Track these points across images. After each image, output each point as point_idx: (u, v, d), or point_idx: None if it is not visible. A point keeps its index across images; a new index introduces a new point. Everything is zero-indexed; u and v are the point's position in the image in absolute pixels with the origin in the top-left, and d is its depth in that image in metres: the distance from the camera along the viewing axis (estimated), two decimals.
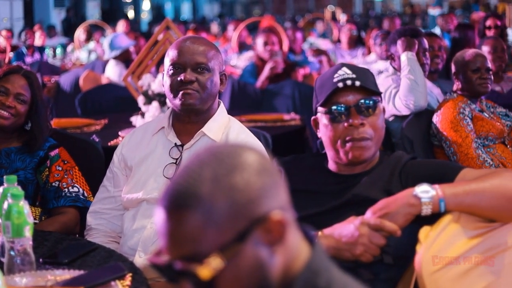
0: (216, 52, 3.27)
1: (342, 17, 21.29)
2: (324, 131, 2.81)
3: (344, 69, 2.79)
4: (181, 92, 3.18)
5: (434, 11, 20.61)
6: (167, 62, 3.24)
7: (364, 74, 2.81)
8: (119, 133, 5.21)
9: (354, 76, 2.75)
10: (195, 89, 3.18)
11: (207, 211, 1.51)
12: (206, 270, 1.51)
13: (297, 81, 7.65)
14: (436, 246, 2.39)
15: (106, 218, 3.40)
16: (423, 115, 5.01)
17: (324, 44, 12.97)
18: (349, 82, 2.72)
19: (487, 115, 4.85)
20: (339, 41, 12.34)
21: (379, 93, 2.81)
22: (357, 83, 2.72)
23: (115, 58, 8.31)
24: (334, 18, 22.09)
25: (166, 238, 1.55)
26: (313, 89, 2.91)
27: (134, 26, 20.57)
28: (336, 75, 2.77)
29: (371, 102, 2.75)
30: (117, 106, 6.89)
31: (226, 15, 34.87)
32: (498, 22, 9.01)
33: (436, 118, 4.84)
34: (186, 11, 36.77)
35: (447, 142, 4.70)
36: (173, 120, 3.33)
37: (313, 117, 2.90)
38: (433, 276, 2.35)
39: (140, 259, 3.11)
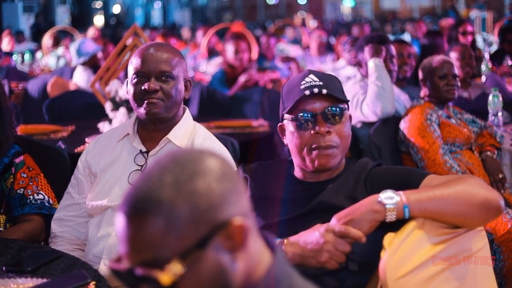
0: (180, 59, 3.25)
1: (312, 23, 21.37)
2: (290, 138, 2.80)
3: (311, 76, 2.78)
4: (145, 101, 3.16)
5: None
6: (130, 70, 3.22)
7: (331, 82, 2.81)
8: (86, 139, 5.19)
9: (321, 83, 2.74)
10: (160, 97, 3.16)
11: (168, 216, 1.50)
12: (167, 276, 1.50)
13: (266, 88, 7.67)
14: (401, 253, 2.38)
15: (71, 226, 3.38)
16: (391, 122, 5.03)
17: (294, 50, 13.01)
18: (316, 90, 2.71)
19: (454, 121, 4.88)
20: (308, 47, 12.40)
21: (346, 101, 2.81)
22: (324, 91, 2.71)
23: (83, 64, 8.27)
24: (304, 24, 22.16)
25: (127, 244, 1.54)
26: (280, 95, 2.91)
27: (104, 32, 20.49)
28: (303, 82, 2.76)
29: (337, 110, 2.75)
30: (85, 112, 6.85)
31: (196, 21, 34.89)
32: (470, 28, 9.09)
33: (403, 125, 4.86)
34: (156, 17, 36.69)
35: (414, 148, 4.72)
36: (138, 126, 3.31)
37: (279, 124, 2.89)
38: (397, 283, 2.35)
39: (105, 267, 3.09)
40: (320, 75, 2.82)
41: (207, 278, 1.53)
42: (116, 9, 32.82)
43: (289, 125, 2.80)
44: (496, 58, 9.12)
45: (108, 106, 5.38)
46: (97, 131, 5.45)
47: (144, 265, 1.51)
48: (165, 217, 1.50)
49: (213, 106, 7.24)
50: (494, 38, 13.05)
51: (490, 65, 8.41)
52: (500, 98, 5.56)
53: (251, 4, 43.94)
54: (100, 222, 3.24)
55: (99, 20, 30.98)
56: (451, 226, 2.49)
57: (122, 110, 5.28)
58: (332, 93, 2.73)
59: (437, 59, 4.98)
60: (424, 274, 2.37)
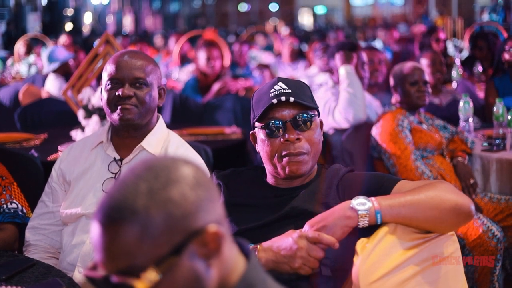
0: (154, 67, 3.26)
1: (284, 30, 21.41)
2: (261, 146, 2.82)
3: (280, 84, 2.80)
4: (119, 107, 3.17)
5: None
6: (105, 76, 3.23)
7: (300, 89, 2.82)
8: (59, 147, 5.16)
9: (289, 91, 2.76)
10: (133, 104, 3.17)
11: (143, 224, 1.51)
12: (143, 283, 1.50)
13: (238, 95, 7.69)
14: (373, 258, 2.41)
15: (45, 234, 3.37)
16: (363, 128, 5.07)
17: (266, 57, 13.03)
18: (283, 98, 2.73)
19: (425, 127, 4.92)
20: (280, 54, 12.44)
21: (315, 107, 2.83)
22: (291, 98, 2.73)
23: (55, 71, 8.24)
24: (276, 31, 22.20)
25: (102, 252, 1.54)
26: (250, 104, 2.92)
27: (76, 40, 20.40)
28: (272, 90, 2.78)
29: (307, 117, 2.77)
30: (57, 120, 6.82)
31: (168, 28, 34.81)
32: (442, 36, 9.17)
33: (375, 131, 4.89)
34: (128, 24, 36.56)
35: (386, 154, 4.75)
36: (112, 134, 3.32)
37: (251, 132, 2.91)
38: (370, 287, 2.37)
39: (79, 275, 3.09)
40: (289, 82, 2.83)
41: (182, 285, 1.54)
42: (88, 16, 32.66)
43: (259, 133, 2.83)
44: (467, 64, 9.20)
45: (80, 114, 5.37)
46: (69, 139, 5.43)
47: (119, 273, 1.52)
48: (140, 225, 1.51)
49: (185, 113, 7.24)
50: (464, 44, 13.15)
51: (461, 71, 8.48)
52: (471, 104, 5.62)
53: (223, 11, 43.96)
54: (75, 230, 3.24)
55: (70, 27, 30.78)
56: (422, 231, 2.52)
57: (95, 117, 5.27)
58: (300, 100, 2.75)
59: (408, 65, 5.02)
60: (397, 278, 2.39)
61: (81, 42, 19.12)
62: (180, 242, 1.52)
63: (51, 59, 8.28)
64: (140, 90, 3.19)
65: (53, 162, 3.51)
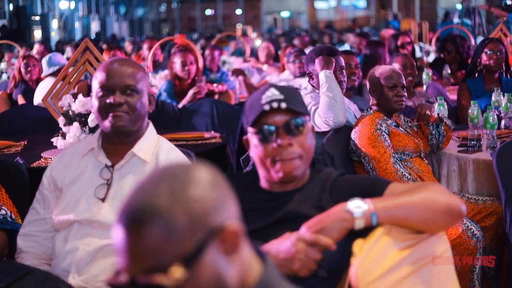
0: (144, 74, 3.30)
1: (253, 35, 21.46)
2: (254, 151, 2.87)
3: (272, 90, 2.84)
4: (110, 115, 3.21)
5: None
6: (95, 84, 3.26)
7: (291, 95, 2.87)
8: (42, 154, 5.17)
9: (281, 97, 2.80)
10: (125, 111, 3.21)
11: (166, 223, 1.56)
12: (170, 280, 1.55)
13: (215, 99, 7.73)
14: (370, 258, 2.46)
15: (37, 241, 3.39)
16: (342, 131, 5.12)
17: (237, 63, 13.05)
18: (275, 105, 2.78)
19: (403, 130, 4.99)
20: (255, 57, 12.47)
21: (307, 113, 2.88)
22: (283, 105, 2.77)
23: (52, 75, 8.22)
24: (244, 35, 22.23)
25: (127, 255, 1.58)
26: (243, 110, 2.97)
27: (44, 46, 20.28)
28: (264, 96, 2.82)
29: (299, 122, 2.82)
30: (35, 127, 6.81)
31: (135, 34, 34.72)
32: (408, 39, 9.28)
33: (354, 135, 4.94)
34: (95, 30, 36.40)
35: (366, 158, 4.80)
36: (103, 141, 3.35)
37: (244, 137, 2.96)
38: (369, 287, 2.44)
39: (73, 281, 3.12)
40: (281, 88, 2.87)
41: (206, 281, 1.59)
42: (55, 22, 32.43)
43: (252, 138, 2.86)
44: (436, 67, 9.34)
45: (61, 120, 5.37)
46: (51, 146, 5.43)
47: (146, 272, 1.56)
48: (164, 224, 1.56)
49: (162, 118, 7.24)
50: (431, 48, 13.32)
51: (430, 73, 8.60)
52: (446, 106, 5.70)
53: (189, 16, 43.92)
54: (67, 236, 3.26)
55: (38, 33, 30.58)
56: (415, 232, 2.59)
57: (76, 124, 5.27)
58: (292, 106, 2.79)
59: (385, 69, 5.04)
60: (393, 278, 2.45)
61: (49, 48, 18.99)
62: (203, 239, 1.58)
63: (50, 63, 8.29)
64: (131, 97, 3.22)
65: (37, 169, 3.55)
